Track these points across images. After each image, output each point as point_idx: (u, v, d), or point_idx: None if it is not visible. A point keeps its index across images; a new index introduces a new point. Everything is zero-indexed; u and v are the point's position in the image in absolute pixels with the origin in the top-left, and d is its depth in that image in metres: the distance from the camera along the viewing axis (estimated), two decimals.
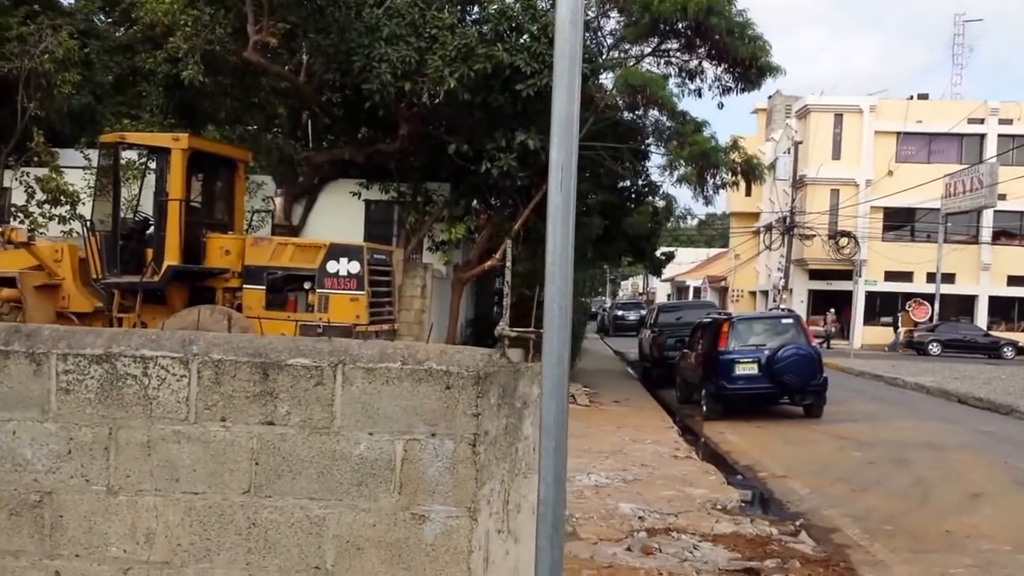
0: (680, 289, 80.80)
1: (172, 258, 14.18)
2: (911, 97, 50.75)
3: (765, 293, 55.54)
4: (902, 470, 12.61)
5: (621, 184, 20.54)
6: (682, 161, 17.72)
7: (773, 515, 10.56)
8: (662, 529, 8.98)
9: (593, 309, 74.88)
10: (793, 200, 46.91)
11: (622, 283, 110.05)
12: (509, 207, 19.39)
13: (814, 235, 46.80)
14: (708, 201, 18.87)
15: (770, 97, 57.81)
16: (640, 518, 9.34)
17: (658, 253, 24.16)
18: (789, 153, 48.66)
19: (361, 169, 20.41)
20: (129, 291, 14.55)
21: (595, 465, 11.75)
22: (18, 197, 21.23)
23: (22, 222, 20.69)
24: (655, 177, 20.36)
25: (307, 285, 14.33)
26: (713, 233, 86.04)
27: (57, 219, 20.48)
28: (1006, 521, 9.70)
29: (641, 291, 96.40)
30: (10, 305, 14.42)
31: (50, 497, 3.55)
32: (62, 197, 20.66)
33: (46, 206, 20.74)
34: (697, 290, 74.43)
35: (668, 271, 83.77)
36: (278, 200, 15.54)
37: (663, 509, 9.70)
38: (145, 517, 3.55)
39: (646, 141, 19.56)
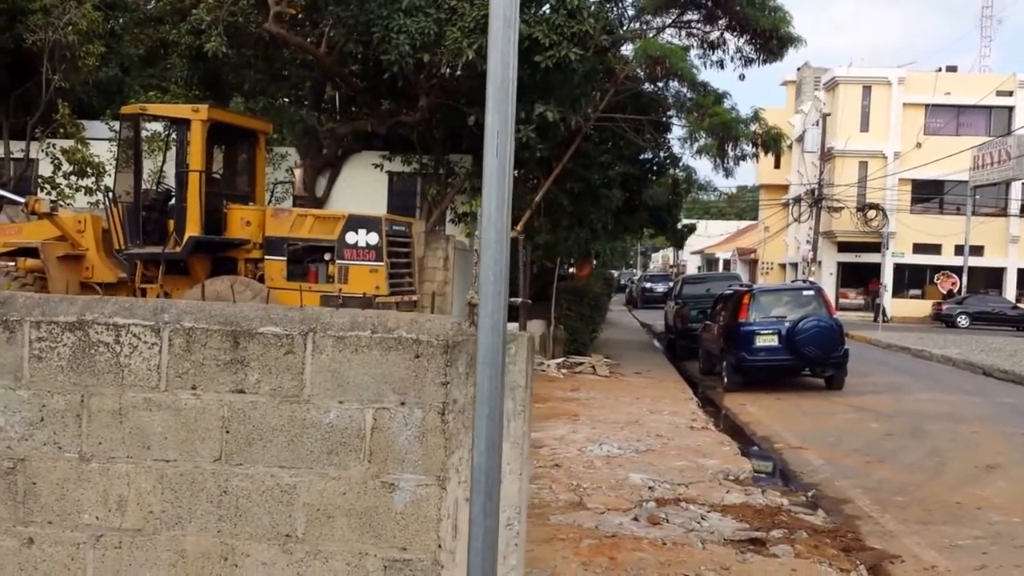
0: (710, 262, 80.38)
1: (193, 229, 14.25)
2: (939, 69, 49.96)
3: (795, 265, 55.06)
4: (919, 442, 12.49)
5: (643, 156, 20.36)
6: (702, 133, 17.54)
7: (786, 486, 10.51)
8: (672, 499, 8.95)
9: (622, 282, 74.80)
10: (821, 172, 46.38)
11: (652, 256, 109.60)
12: (530, 179, 19.29)
13: (842, 207, 46.31)
14: (729, 173, 18.72)
15: (799, 69, 57.12)
16: (650, 488, 9.32)
17: (680, 225, 23.92)
18: (817, 125, 48.07)
19: (384, 141, 20.38)
20: (151, 262, 14.66)
21: (609, 435, 11.73)
22: (45, 169, 21.44)
23: (49, 193, 20.90)
24: (677, 149, 20.24)
25: (327, 256, 14.36)
26: (744, 206, 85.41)
27: (83, 190, 20.63)
28: (1018, 493, 9.59)
29: (671, 264, 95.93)
30: (34, 275, 14.55)
31: (23, 464, 3.58)
32: (88, 169, 20.81)
33: (72, 177, 20.89)
34: (727, 262, 74.00)
35: (697, 243, 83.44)
36: (298, 172, 15.57)
37: (674, 479, 9.67)
38: (117, 484, 3.58)
39: (667, 113, 19.35)
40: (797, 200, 50.35)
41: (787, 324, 17.25)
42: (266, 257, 14.50)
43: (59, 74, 20.45)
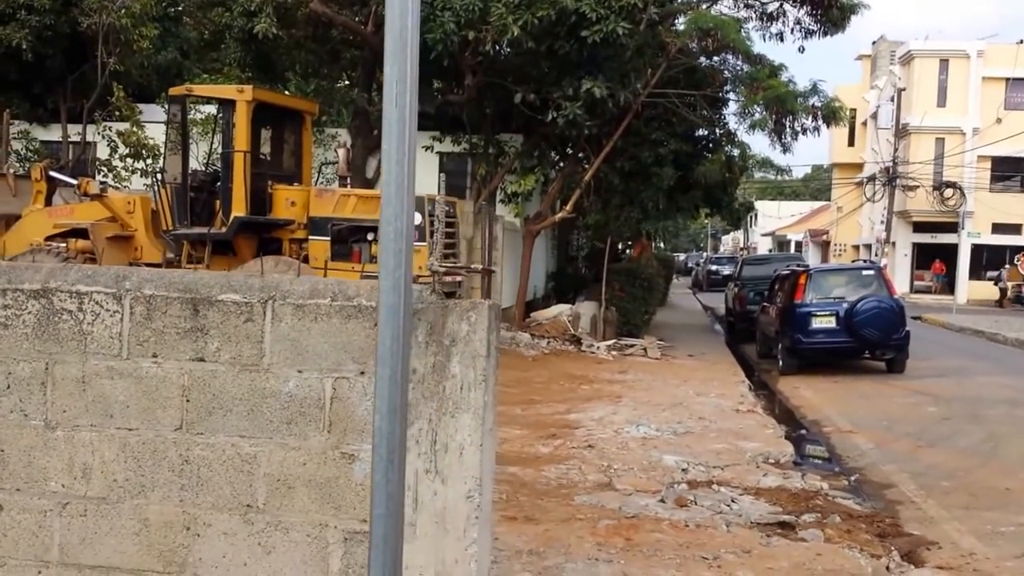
0: (781, 243, 79.08)
1: (239, 209, 14.37)
2: (1021, 41, 48.18)
3: (868, 247, 53.89)
4: (975, 426, 12.09)
5: (698, 133, 20.00)
6: (756, 107, 17.14)
7: (828, 470, 10.26)
8: (704, 482, 8.76)
9: (689, 264, 74.02)
10: (896, 150, 45.18)
11: (722, 238, 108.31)
12: (581, 158, 19.09)
13: (918, 186, 45.05)
14: (787, 149, 18.26)
15: (874, 43, 55.69)
16: (684, 470, 9.14)
17: (737, 204, 23.45)
18: (892, 101, 46.83)
19: (435, 121, 20.33)
20: (198, 242, 14.82)
21: (649, 417, 11.54)
22: (103, 151, 21.84)
23: (105, 176, 21.30)
24: (733, 125, 19.81)
25: (371, 236, 14.36)
26: (819, 186, 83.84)
27: (139, 172, 20.96)
28: None
29: (741, 246, 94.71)
30: (84, 256, 14.79)
31: None
32: (143, 151, 21.13)
33: (128, 160, 21.24)
34: (798, 244, 72.71)
35: (769, 225, 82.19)
36: (342, 152, 15.57)
37: (710, 462, 9.47)
38: (82, 452, 3.55)
39: (724, 87, 18.95)
40: (871, 179, 49.16)
41: (845, 305, 16.81)
42: (310, 237, 14.58)
43: (114, 57, 20.75)
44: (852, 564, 6.50)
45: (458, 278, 15.08)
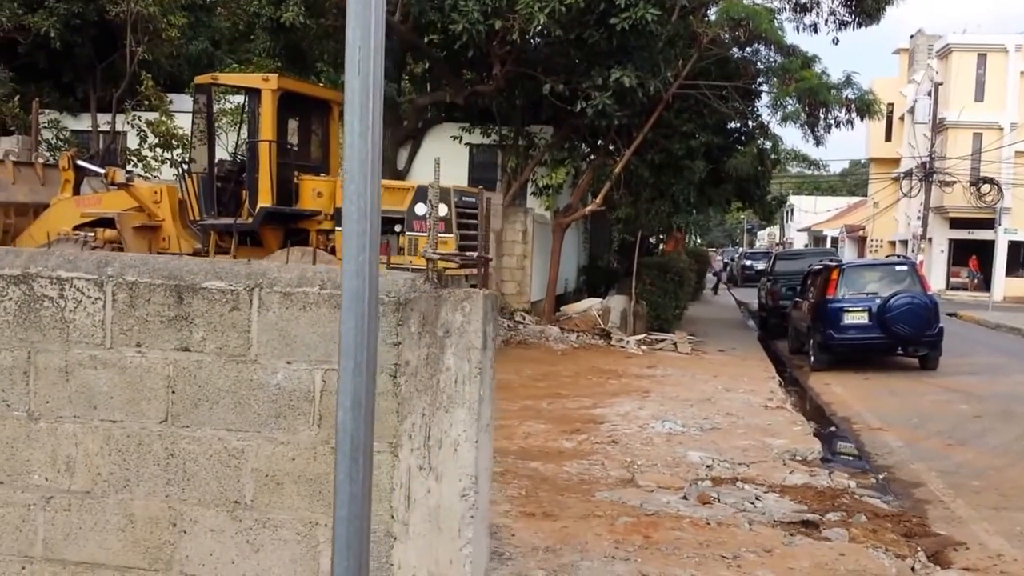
0: (817, 239, 78.20)
1: (265, 200, 14.28)
2: None
3: (904, 243, 53.08)
4: (1008, 424, 11.77)
5: (731, 125, 19.68)
6: (788, 99, 16.81)
7: (857, 467, 10.02)
8: (729, 479, 8.56)
9: (726, 260, 73.40)
10: (933, 145, 44.43)
11: (758, 233, 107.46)
12: (611, 150, 18.85)
13: (955, 182, 44.26)
14: (819, 142, 17.90)
15: (912, 37, 54.81)
16: (708, 467, 8.94)
17: (769, 198, 23.07)
18: (929, 96, 46.04)
19: (464, 112, 20.18)
20: (225, 232, 14.76)
21: (675, 413, 11.33)
22: (132, 141, 21.86)
23: (135, 165, 21.33)
24: (765, 118, 19.47)
25: (397, 228, 14.24)
26: (857, 181, 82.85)
27: (169, 162, 20.97)
28: None
29: (777, 242, 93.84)
30: (111, 246, 14.78)
31: None
32: (173, 141, 21.13)
33: (158, 149, 21.25)
34: (835, 240, 71.87)
35: (805, 220, 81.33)
36: None
37: (735, 458, 9.25)
38: (65, 445, 3.43)
39: (757, 79, 18.62)
40: (908, 174, 48.41)
41: (878, 300, 16.48)
42: (337, 228, 14.45)
43: (142, 46, 20.75)
44: (876, 564, 6.29)
45: (476, 271, 14.93)
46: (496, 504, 7.13)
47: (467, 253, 14.28)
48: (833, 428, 12.36)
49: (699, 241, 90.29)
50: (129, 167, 20.14)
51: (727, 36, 17.10)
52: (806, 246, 74.06)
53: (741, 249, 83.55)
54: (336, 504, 2.23)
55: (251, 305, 3.29)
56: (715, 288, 43.32)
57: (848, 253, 59.28)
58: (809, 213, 79.02)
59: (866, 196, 68.21)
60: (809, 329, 17.85)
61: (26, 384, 3.44)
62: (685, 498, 7.74)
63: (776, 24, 17.03)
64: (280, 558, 3.31)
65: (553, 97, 16.75)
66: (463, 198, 14.39)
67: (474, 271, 14.46)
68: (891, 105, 52.11)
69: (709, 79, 17.53)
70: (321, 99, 15.84)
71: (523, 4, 14.91)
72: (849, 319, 16.58)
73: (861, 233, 64.16)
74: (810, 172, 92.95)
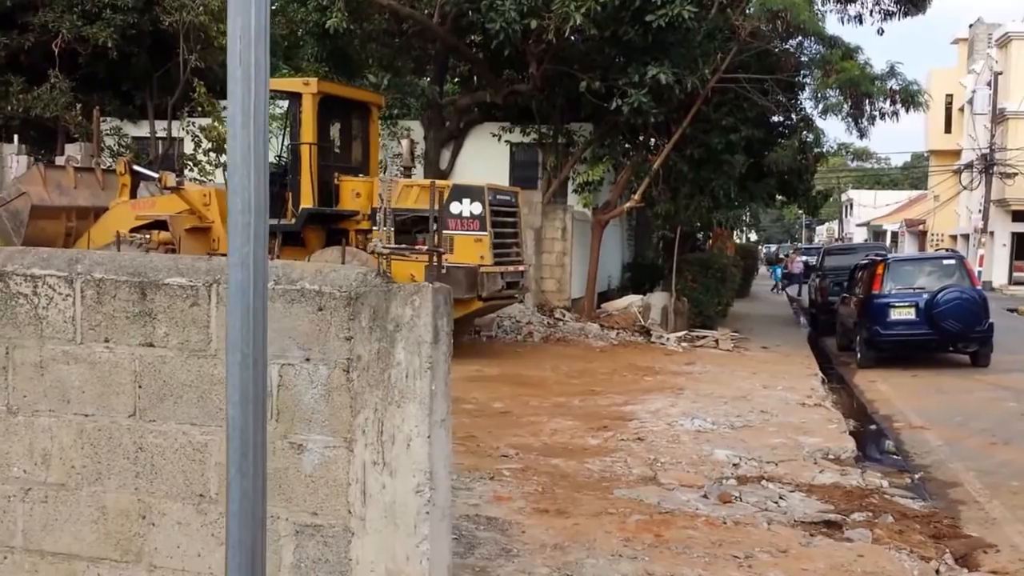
0: (877, 233, 76.85)
1: (306, 201, 14.50)
2: None
3: (966, 237, 51.95)
4: None
5: (774, 119, 19.42)
6: (829, 91, 16.54)
7: (892, 466, 9.84)
8: (755, 477, 8.44)
9: (780, 255, 72.44)
10: (993, 136, 43.39)
11: (817, 228, 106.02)
12: (651, 146, 18.73)
13: (1016, 173, 43.16)
14: (863, 134, 17.59)
15: (971, 26, 53.59)
16: (735, 465, 8.82)
17: (814, 192, 22.68)
18: (989, 86, 44.97)
19: (505, 112, 20.20)
20: (269, 233, 14.96)
21: (707, 410, 11.22)
22: (189, 147, 22.27)
23: (191, 170, 21.73)
24: (808, 110, 19.16)
25: (433, 227, 14.31)
26: (919, 174, 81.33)
27: (223, 167, 21.31)
28: None
29: (836, 237, 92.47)
30: (165, 248, 15.08)
31: None
32: (225, 145, 21.46)
33: (211, 154, 21.61)
34: (894, 234, 70.60)
35: (864, 215, 79.98)
36: (405, 143, 15.54)
37: (763, 457, 9.12)
38: (41, 438, 3.51)
39: (801, 71, 18.34)
40: (967, 166, 47.34)
41: (925, 296, 16.14)
42: (375, 228, 14.59)
43: (195, 54, 21.12)
44: (895, 567, 6.15)
45: (520, 268, 14.93)
46: (511, 500, 7.14)
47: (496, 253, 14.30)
48: (873, 426, 12.16)
49: (753, 238, 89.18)
50: (186, 172, 20.54)
51: (767, 28, 16.87)
52: (865, 241, 72.91)
53: (798, 245, 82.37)
54: (228, 499, 2.24)
55: (210, 300, 3.33)
56: (782, 288, 41.81)
57: (908, 248, 58.16)
58: (868, 208, 77.69)
59: (927, 189, 66.88)
60: (856, 325, 17.56)
61: (5, 379, 3.52)
62: (705, 497, 7.66)
63: (816, 15, 16.76)
64: None
65: (590, 94, 16.69)
66: (497, 196, 14.41)
67: (509, 268, 14.46)
68: (950, 96, 51.09)
69: (749, 72, 17.31)
70: (361, 101, 16.03)
71: (559, 3, 14.89)
72: (896, 315, 16.26)
73: (921, 227, 62.89)
74: (870, 166, 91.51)
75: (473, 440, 9.14)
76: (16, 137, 21.44)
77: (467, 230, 14.01)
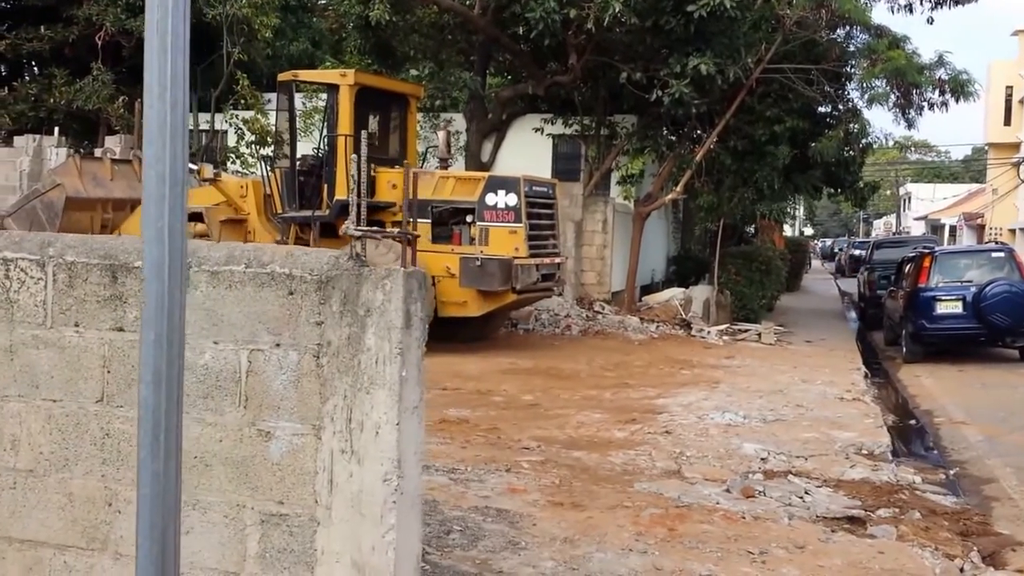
0: (934, 227, 75.35)
1: (341, 192, 14.49)
2: None
3: None
4: None
5: (820, 109, 19.04)
6: (876, 80, 16.16)
7: (928, 462, 9.58)
8: (782, 472, 8.24)
9: (835, 249, 71.44)
10: None
11: (874, 222, 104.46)
12: (694, 137, 18.46)
13: None
14: (911, 124, 17.17)
15: None
16: (763, 459, 8.63)
17: (861, 183, 22.18)
18: None
19: (548, 104, 20.07)
20: (305, 225, 15.04)
21: (741, 404, 11.01)
22: (232, 139, 22.46)
23: (233, 162, 21.93)
24: (856, 101, 18.72)
25: (469, 218, 14.26)
26: (981, 167, 79.62)
27: (262, 160, 21.43)
28: None
29: (894, 231, 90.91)
30: (201, 239, 15.20)
31: None
32: (268, 138, 21.59)
33: (254, 147, 21.75)
34: (952, 228, 69.15)
35: (922, 209, 78.47)
36: (441, 134, 15.49)
37: (793, 451, 8.93)
38: (11, 423, 3.47)
39: (849, 61, 17.95)
40: None
41: (973, 289, 15.73)
42: (408, 219, 14.52)
43: (237, 47, 21.26)
44: (915, 564, 5.96)
45: (557, 260, 14.80)
46: (526, 493, 7.04)
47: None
48: (913, 421, 11.87)
49: (808, 232, 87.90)
50: (228, 164, 20.73)
51: (812, 17, 16.53)
52: (923, 234, 71.53)
53: (853, 239, 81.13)
54: (139, 483, 2.17)
55: None
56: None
57: (966, 242, 56.81)
58: (927, 201, 76.27)
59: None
60: (902, 319, 17.19)
61: None
62: (728, 491, 7.49)
63: (863, 4, 16.37)
64: (209, 541, 3.28)
65: (631, 85, 16.49)
66: (534, 188, 14.28)
67: (545, 260, 14.33)
68: (1010, 88, 49.87)
69: (794, 62, 16.98)
70: (399, 93, 15.99)
71: None
72: (942, 309, 15.88)
73: (980, 221, 61.50)
74: (929, 159, 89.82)
75: (496, 432, 9.06)
76: (56, 130, 21.75)
77: (502, 222, 13.90)
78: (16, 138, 22.13)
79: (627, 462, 8.23)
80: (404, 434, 3.11)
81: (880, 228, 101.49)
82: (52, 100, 22.95)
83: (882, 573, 5.78)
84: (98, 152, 20.18)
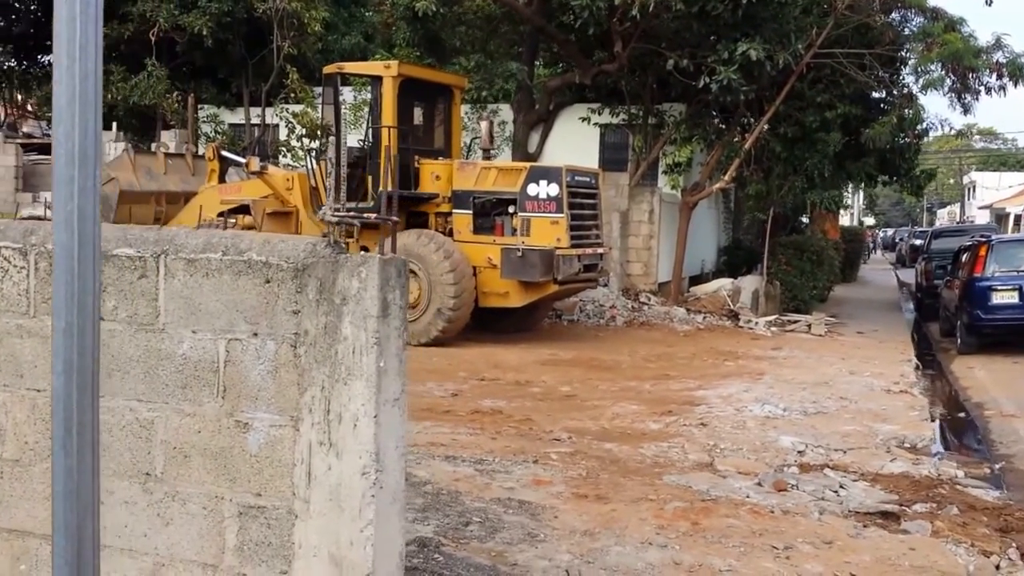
0: (999, 216, 73.53)
1: (385, 184, 14.47)
2: None
3: None
4: None
5: (875, 95, 18.58)
6: (931, 65, 15.71)
7: (974, 456, 9.30)
8: (819, 465, 8.05)
9: (897, 239, 70.08)
10: None
11: (938, 212, 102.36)
12: (743, 124, 18.15)
13: None
14: (967, 109, 16.67)
15: None
16: (799, 452, 8.45)
17: (918, 171, 21.60)
18: None
19: (596, 93, 19.89)
20: None
21: (783, 396, 10.80)
22: (283, 133, 22.62)
23: (284, 156, 22.08)
24: (912, 86, 18.21)
25: (511, 209, 14.18)
26: None
27: (309, 153, 21.53)
28: None
29: (958, 220, 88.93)
30: (249, 231, 15.32)
31: None
32: (318, 131, 21.70)
33: (304, 140, 21.87)
34: (1017, 217, 67.38)
35: (987, 197, 76.58)
36: (484, 125, 15.41)
37: (832, 444, 8.72)
38: None
39: (903, 45, 17.48)
40: None
41: None
42: (454, 211, 14.52)
43: (287, 41, 21.38)
44: (947, 561, 5.75)
45: (599, 251, 14.65)
46: (551, 485, 6.94)
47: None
48: (962, 414, 11.54)
49: (870, 221, 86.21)
50: (280, 157, 20.88)
51: (865, 1, 16.13)
52: (988, 223, 69.84)
53: (916, 229, 79.55)
54: (53, 479, 2.11)
55: (158, 272, 3.22)
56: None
57: (998, 228, 55.38)
58: (991, 189, 74.42)
59: None
60: (957, 309, 16.76)
61: None
62: (759, 484, 7.33)
63: None
64: (188, 532, 3.24)
65: (678, 73, 16.26)
66: (575, 177, 14.15)
67: (587, 251, 14.19)
68: None
69: (846, 47, 16.60)
70: (443, 84, 15.95)
71: None
72: (998, 299, 15.45)
73: None
74: (995, 147, 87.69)
75: (529, 423, 8.98)
76: (114, 125, 22.09)
77: (544, 212, 13.79)
78: None
79: (658, 454, 8.10)
80: (383, 427, 3.04)
81: (944, 217, 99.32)
82: (110, 96, 23.29)
83: (911, 570, 5.59)
84: (153, 147, 20.48)
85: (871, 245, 58.88)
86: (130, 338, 3.27)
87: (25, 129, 30.94)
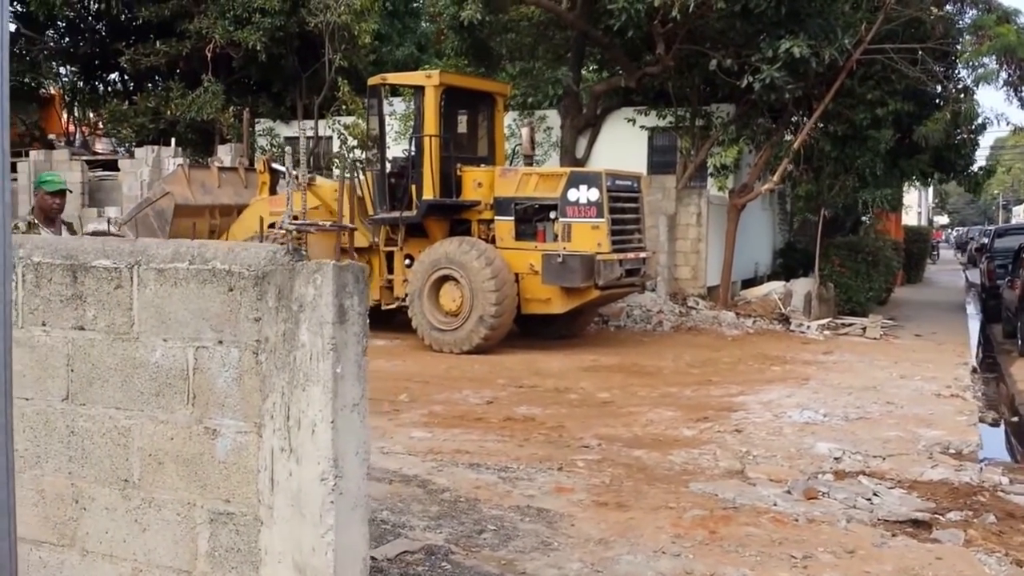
0: None
1: (428, 192, 14.58)
2: None
3: None
4: None
5: (929, 90, 18.17)
6: (983, 58, 15.32)
7: (1022, 463, 9.03)
8: (855, 472, 7.89)
9: (967, 238, 68.44)
10: None
11: (1014, 209, 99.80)
12: (792, 123, 17.89)
13: None
14: None
15: None
16: (836, 459, 8.28)
17: (976, 168, 21.03)
18: None
19: (643, 96, 19.78)
20: (394, 225, 15.21)
21: (825, 401, 10.61)
22: (336, 145, 22.92)
23: (337, 167, 22.34)
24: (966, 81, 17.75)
25: (552, 215, 14.16)
26: None
27: (356, 162, 21.77)
28: None
29: None
30: (297, 242, 15.53)
31: None
32: (369, 142, 21.93)
33: (356, 151, 22.12)
34: None
35: None
36: (524, 131, 15.41)
37: (871, 451, 8.53)
38: None
39: (952, 38, 17.09)
40: None
41: None
42: (496, 217, 14.54)
43: (339, 54, 21.66)
44: (975, 572, 5.59)
45: (642, 255, 14.56)
46: (572, 492, 6.91)
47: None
48: (1016, 419, 11.22)
49: (943, 220, 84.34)
50: (333, 169, 21.15)
51: None
52: None
53: (987, 227, 77.59)
54: None
55: (132, 282, 3.29)
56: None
57: None
58: None
59: None
60: (1018, 310, 16.30)
61: None
62: (788, 492, 7.20)
63: None
64: (164, 538, 3.30)
65: (721, 72, 16.10)
66: (616, 182, 14.08)
67: (629, 255, 14.10)
68: None
69: (897, 42, 16.29)
70: (486, 92, 16.00)
71: None
72: None
73: None
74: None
75: (559, 431, 8.95)
76: (173, 140, 22.55)
77: (584, 217, 13.75)
78: (137, 150, 23.09)
79: (688, 461, 8.00)
80: (341, 432, 3.06)
81: (1021, 215, 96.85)
82: (169, 112, 23.82)
83: None
84: (208, 161, 20.86)
85: (936, 244, 57.53)
86: (108, 347, 3.34)
87: (98, 147, 31.77)
